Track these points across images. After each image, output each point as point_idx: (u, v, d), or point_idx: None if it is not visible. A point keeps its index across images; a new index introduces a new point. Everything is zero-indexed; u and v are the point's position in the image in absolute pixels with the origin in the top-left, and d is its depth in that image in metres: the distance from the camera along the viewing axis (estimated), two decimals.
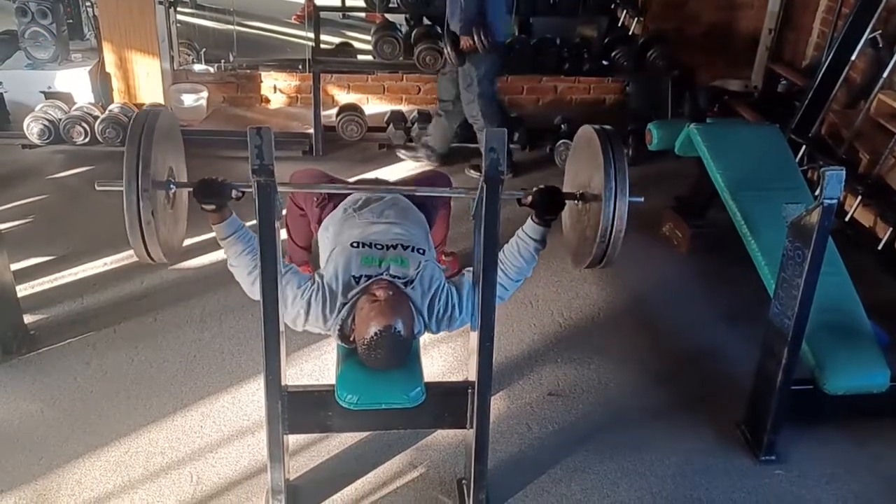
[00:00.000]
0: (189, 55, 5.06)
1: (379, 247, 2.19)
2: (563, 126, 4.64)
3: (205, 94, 4.93)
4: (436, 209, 2.79)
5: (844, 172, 2.12)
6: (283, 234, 2.91)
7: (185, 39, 5.08)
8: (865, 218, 3.72)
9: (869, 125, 3.85)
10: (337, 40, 5.41)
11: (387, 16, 4.86)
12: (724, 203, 3.00)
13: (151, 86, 4.67)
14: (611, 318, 3.20)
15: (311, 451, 2.43)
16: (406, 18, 4.82)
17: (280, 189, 1.90)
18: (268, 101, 5.28)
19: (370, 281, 2.08)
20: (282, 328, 2.00)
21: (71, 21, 4.82)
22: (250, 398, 2.61)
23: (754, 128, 4.04)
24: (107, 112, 4.19)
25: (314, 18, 5.03)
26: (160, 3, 4.61)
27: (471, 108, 4.10)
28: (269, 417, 2.06)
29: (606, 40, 4.79)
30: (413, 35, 4.47)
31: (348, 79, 5.24)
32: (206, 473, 2.33)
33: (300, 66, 5.06)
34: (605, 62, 4.76)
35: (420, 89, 5.25)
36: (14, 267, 2.89)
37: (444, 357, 2.87)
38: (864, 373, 2.48)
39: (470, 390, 2.10)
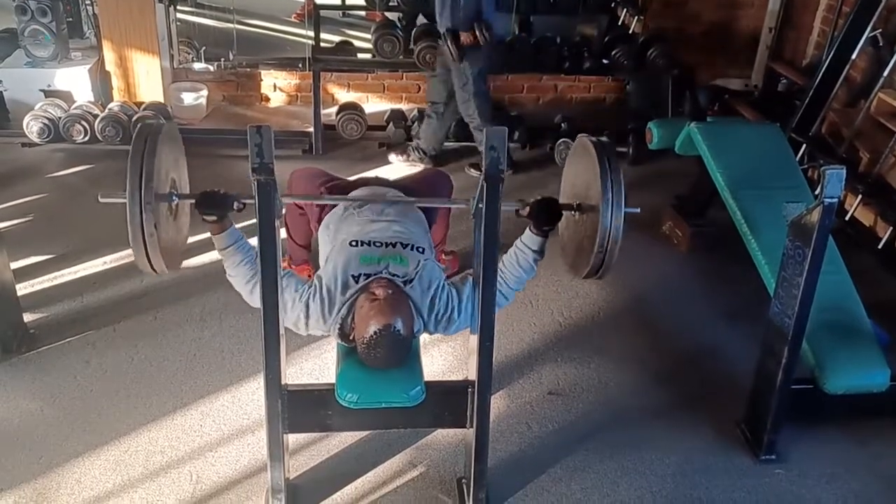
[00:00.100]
0: (189, 53, 5.07)
1: (378, 245, 2.19)
2: (563, 125, 4.64)
3: (204, 92, 4.93)
4: (436, 208, 2.78)
5: (845, 171, 2.12)
6: (283, 233, 2.91)
7: (184, 38, 5.09)
8: (866, 217, 3.72)
9: (869, 124, 3.84)
10: (337, 39, 5.42)
11: (387, 14, 4.86)
12: (724, 202, 3.00)
13: (151, 84, 4.67)
14: (611, 317, 3.19)
15: (311, 450, 2.43)
16: (398, 18, 4.80)
17: (284, 200, 1.90)
18: (268, 99, 5.27)
19: (369, 279, 2.08)
20: (282, 328, 2.00)
21: (71, 19, 4.83)
22: (250, 397, 2.61)
23: (754, 127, 4.03)
24: (106, 110, 4.20)
25: (314, 17, 5.05)
26: (160, 1, 4.61)
27: (466, 106, 4.10)
28: (268, 416, 2.06)
29: (607, 39, 4.79)
30: (413, 33, 4.47)
31: (348, 77, 5.23)
32: (205, 472, 2.33)
33: (300, 65, 5.07)
34: (605, 61, 4.76)
35: (420, 88, 5.23)
36: (14, 265, 2.88)
37: (444, 356, 2.87)
38: (864, 372, 2.48)
39: (470, 389, 2.10)
